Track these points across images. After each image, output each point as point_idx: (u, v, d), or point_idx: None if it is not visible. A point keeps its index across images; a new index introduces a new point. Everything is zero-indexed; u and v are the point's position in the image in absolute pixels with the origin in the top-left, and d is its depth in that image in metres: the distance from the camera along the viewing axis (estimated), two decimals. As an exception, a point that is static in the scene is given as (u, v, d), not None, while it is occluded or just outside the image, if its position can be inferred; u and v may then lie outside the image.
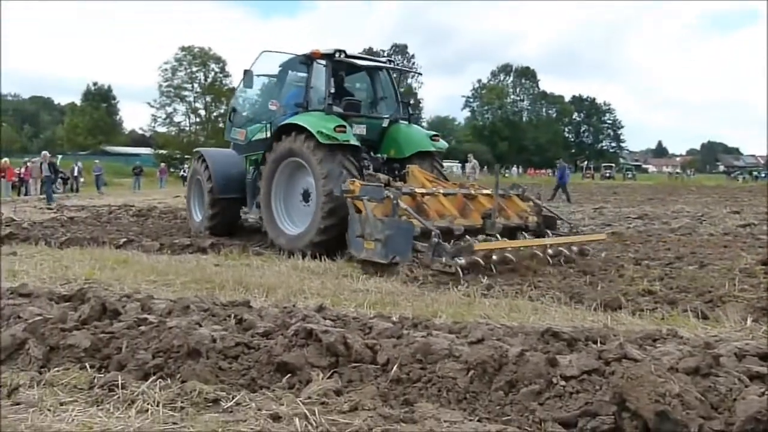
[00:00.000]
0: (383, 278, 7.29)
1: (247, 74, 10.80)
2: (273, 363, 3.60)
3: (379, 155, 10.54)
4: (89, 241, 10.18)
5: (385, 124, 10.80)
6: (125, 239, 10.32)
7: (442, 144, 10.75)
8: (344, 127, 9.39)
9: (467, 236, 7.96)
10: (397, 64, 11.25)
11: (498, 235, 8.30)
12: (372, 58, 11.65)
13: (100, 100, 78.51)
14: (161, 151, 58.47)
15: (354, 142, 9.46)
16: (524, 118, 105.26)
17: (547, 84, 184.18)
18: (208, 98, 63.24)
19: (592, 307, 5.74)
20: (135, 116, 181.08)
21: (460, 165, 60.65)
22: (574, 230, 9.88)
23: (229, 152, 12.05)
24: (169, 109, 62.87)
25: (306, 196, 9.64)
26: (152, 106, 62.74)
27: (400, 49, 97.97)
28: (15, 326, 4.17)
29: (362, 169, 9.76)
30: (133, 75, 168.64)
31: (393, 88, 11.15)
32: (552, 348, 3.76)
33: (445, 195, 8.99)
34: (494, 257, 7.48)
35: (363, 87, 11.63)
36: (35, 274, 7.20)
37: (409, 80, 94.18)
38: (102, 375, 3.53)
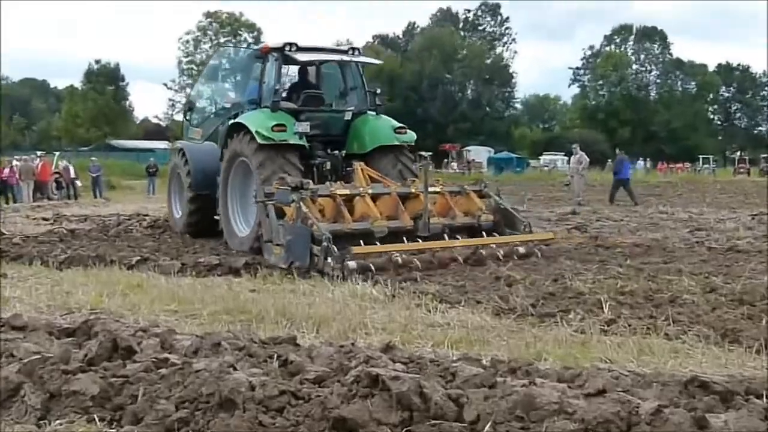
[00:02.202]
0: (468, 308, 7.27)
1: (206, 69, 12.82)
2: (328, 418, 3.62)
3: (337, 152, 12.64)
4: (94, 259, 10.52)
5: (348, 117, 12.87)
6: (138, 257, 10.62)
7: (409, 136, 12.73)
8: (283, 125, 11.54)
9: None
10: (358, 54, 13.23)
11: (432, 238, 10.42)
12: (330, 48, 13.85)
13: (106, 82, 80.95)
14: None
15: (295, 141, 11.64)
16: (652, 95, 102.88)
17: (683, 48, 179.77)
18: (240, 76, 64.87)
19: (753, 348, 5.57)
20: (149, 101, 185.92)
21: (565, 158, 60.00)
22: (527, 229, 11.46)
23: (210, 146, 13.94)
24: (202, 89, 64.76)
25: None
26: (170, 89, 64.98)
27: (490, 9, 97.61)
28: (7, 367, 4.33)
29: (316, 169, 12.10)
30: (146, 49, 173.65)
31: (360, 77, 13.29)
32: (700, 403, 3.67)
33: (374, 195, 10.93)
34: (398, 260, 9.54)
35: (331, 79, 13.76)
36: (30, 302, 7.49)
37: (500, 48, 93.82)
38: (114, 430, 3.63)
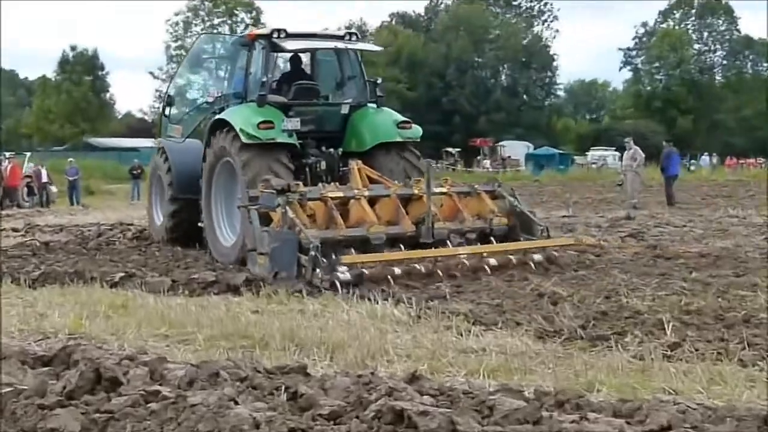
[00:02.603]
0: (506, 331, 7.26)
1: (186, 58, 14.08)
2: (346, 461, 3.62)
3: (333, 150, 13.12)
4: (72, 276, 10.58)
5: (345, 110, 13.30)
6: (123, 274, 10.67)
7: (414, 132, 13.12)
8: (271, 122, 11.94)
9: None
10: (356, 40, 13.75)
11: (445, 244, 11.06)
12: (324, 34, 14.34)
13: (83, 72, 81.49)
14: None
15: (283, 139, 12.08)
16: (717, 79, 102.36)
17: (753, 24, 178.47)
18: (237, 62, 65.26)
19: None
20: (132, 93, 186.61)
21: (616, 154, 59.77)
22: (544, 234, 11.77)
23: (194, 144, 14.28)
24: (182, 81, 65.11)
25: None
26: (157, 78, 65.38)
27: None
28: (-25, 402, 4.36)
29: (308, 169, 12.56)
30: (128, 34, 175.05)
31: (359, 66, 13.70)
32: (783, 442, 3.64)
33: (372, 198, 11.33)
34: (396, 270, 10.12)
35: (327, 69, 14.28)
36: (-1, 326, 7.51)
37: (538, 27, 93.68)
38: (98, 475, 3.65)
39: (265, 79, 12.74)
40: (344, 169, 12.59)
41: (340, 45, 13.47)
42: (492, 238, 11.64)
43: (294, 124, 12.38)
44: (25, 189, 33.32)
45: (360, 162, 12.25)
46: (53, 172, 36.41)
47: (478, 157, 67.66)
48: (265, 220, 10.77)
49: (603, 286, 9.41)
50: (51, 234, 17.93)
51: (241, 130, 11.88)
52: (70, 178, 34.84)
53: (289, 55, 13.92)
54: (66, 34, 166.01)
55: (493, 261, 10.82)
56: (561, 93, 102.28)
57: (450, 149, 71.96)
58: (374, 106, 13.42)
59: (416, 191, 11.54)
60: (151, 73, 78.23)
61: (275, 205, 10.54)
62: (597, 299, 8.54)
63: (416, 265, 10.46)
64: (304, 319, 7.90)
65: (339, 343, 6.66)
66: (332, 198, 11.11)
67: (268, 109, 12.43)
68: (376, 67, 77.59)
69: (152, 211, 15.54)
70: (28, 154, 41.20)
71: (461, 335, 7.14)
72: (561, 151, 72.46)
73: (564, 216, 20.08)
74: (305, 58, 14.22)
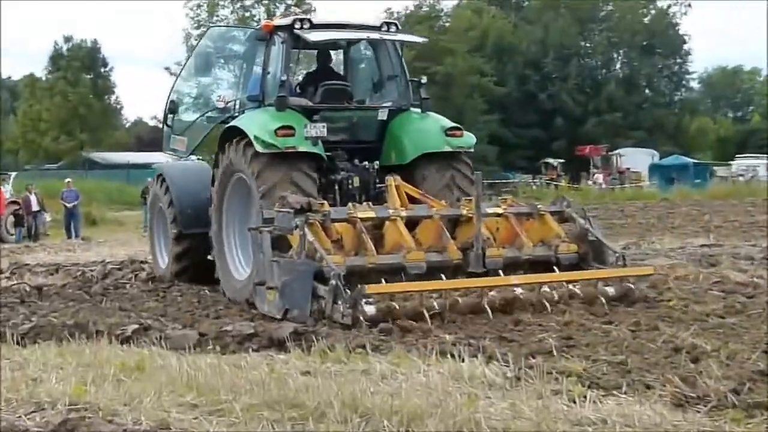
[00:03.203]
0: (633, 396, 7.16)
1: (192, 57, 15.25)
2: None
3: (367, 163, 13.69)
4: (73, 330, 10.65)
5: (382, 116, 13.86)
6: (136, 326, 10.71)
7: (466, 140, 13.61)
8: (291, 128, 12.51)
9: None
10: (396, 31, 14.15)
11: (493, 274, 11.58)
12: (356, 24, 14.53)
13: (80, 69, 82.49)
14: (193, 158, 61.08)
15: (306, 148, 12.66)
16: None
17: None
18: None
19: None
20: (143, 95, 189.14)
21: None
22: (619, 262, 12.29)
23: (197, 167, 15.54)
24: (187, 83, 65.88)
25: None
26: (174, 74, 65.97)
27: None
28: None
29: (338, 186, 13.26)
30: (136, 21, 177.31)
31: (400, 63, 14.20)
32: None
33: (411, 219, 12.00)
34: (435, 303, 10.62)
35: (362, 66, 15.14)
36: (-19, 394, 7.59)
37: (664, 1, 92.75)
38: None
39: (284, 79, 13.30)
40: (381, 186, 13.10)
41: (374, 36, 13.98)
42: (555, 268, 12.13)
43: (319, 130, 12.87)
44: (11, 218, 33.51)
45: (398, 177, 12.84)
46: (46, 196, 36.61)
47: (591, 170, 67.15)
48: (282, 245, 11.34)
49: (759, 338, 9.25)
50: (44, 276, 18.05)
51: (255, 137, 12.44)
52: (68, 205, 35.08)
53: (315, 50, 14.53)
54: (59, 22, 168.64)
55: (555, 295, 11.36)
56: (695, 85, 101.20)
57: (550, 160, 71.80)
58: (418, 110, 13.95)
59: (465, 212, 12.11)
60: (167, 69, 78.82)
61: (293, 226, 10.98)
62: (752, 355, 8.38)
63: (459, 299, 10.95)
64: (369, 382, 7.85)
65: (416, 413, 6.62)
66: (362, 219, 11.67)
67: (289, 113, 13.04)
68: (454, 56, 78.05)
69: (156, 250, 16.52)
70: (13, 174, 41.56)
71: (574, 402, 7.04)
72: (696, 161, 71.74)
73: (703, 245, 19.81)
74: (336, 54, 14.87)
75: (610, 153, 69.83)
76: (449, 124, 13.68)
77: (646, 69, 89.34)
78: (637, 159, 69.69)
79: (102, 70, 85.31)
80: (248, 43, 15.72)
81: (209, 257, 14.03)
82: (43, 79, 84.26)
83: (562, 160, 71.91)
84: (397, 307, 10.48)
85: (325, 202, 11.84)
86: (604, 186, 59.88)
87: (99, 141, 79.95)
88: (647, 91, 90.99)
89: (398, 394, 7.31)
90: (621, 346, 9.16)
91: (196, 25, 75.23)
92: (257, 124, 12.93)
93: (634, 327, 10.11)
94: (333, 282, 10.37)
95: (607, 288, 11.54)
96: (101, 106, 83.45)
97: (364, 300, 10.26)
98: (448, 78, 77.59)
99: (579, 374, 7.88)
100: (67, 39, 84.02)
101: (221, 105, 15.17)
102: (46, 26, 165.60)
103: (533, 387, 7.60)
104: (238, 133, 12.98)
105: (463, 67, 78.53)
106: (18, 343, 10.38)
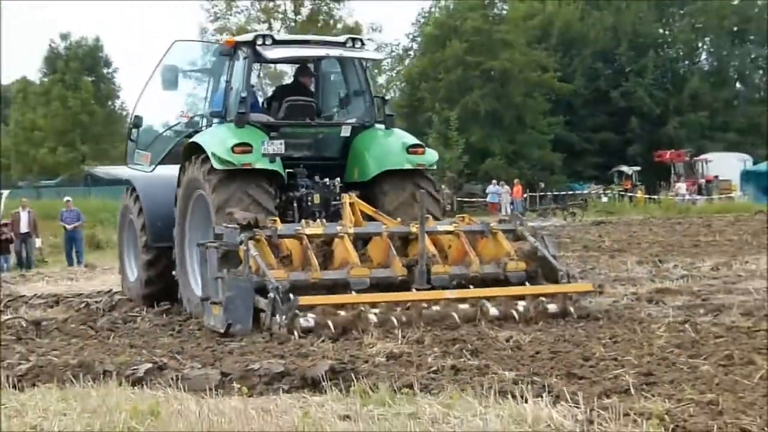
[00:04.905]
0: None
1: (157, 70, 16.42)
2: None
3: (328, 180, 15.19)
4: (77, 370, 10.66)
5: (345, 132, 15.61)
6: (149, 365, 10.71)
7: (428, 157, 15.47)
8: (248, 145, 14.18)
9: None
10: (360, 47, 15.59)
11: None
12: (319, 40, 16.95)
13: (80, 70, 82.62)
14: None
15: (263, 165, 14.27)
16: None
17: None
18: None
19: None
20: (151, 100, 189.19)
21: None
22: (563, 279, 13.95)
23: (170, 179, 16.14)
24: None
25: None
26: (188, 76, 66.32)
27: None
28: None
29: (297, 204, 14.89)
30: (142, 16, 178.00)
31: (365, 79, 15.96)
32: None
33: (362, 237, 14.04)
34: (373, 317, 12.34)
35: (330, 84, 16.94)
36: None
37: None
38: None
39: (245, 95, 14.80)
40: (335, 204, 15.04)
41: (334, 53, 15.70)
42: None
43: (276, 147, 14.52)
44: (4, 243, 33.53)
45: (353, 195, 14.64)
46: (42, 218, 36.39)
47: (673, 179, 66.63)
48: (234, 261, 12.89)
49: None
50: (43, 309, 18.12)
51: (212, 154, 14.00)
52: (68, 227, 35.07)
53: (285, 65, 16.69)
54: (55, 20, 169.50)
55: (493, 310, 13.03)
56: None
57: (624, 168, 71.40)
58: (382, 127, 15.46)
59: (414, 229, 13.67)
60: (178, 69, 79.50)
61: (238, 242, 12.71)
62: None
63: (393, 311, 12.68)
64: (418, 427, 7.86)
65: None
66: (309, 236, 13.45)
67: (248, 129, 14.80)
68: (511, 49, 77.88)
69: (125, 265, 18.45)
70: (5, 192, 41.44)
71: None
72: (798, 168, 71.00)
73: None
74: (305, 69, 16.40)
75: (694, 159, 69.33)
76: (412, 140, 15.50)
77: (737, 60, 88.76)
78: (726, 165, 68.94)
79: (105, 71, 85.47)
80: (213, 58, 17.59)
81: (173, 273, 15.62)
82: (38, 82, 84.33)
83: (637, 168, 71.54)
84: (333, 318, 12.25)
85: (278, 218, 13.58)
86: (687, 197, 59.55)
87: (102, 153, 79.77)
88: (738, 85, 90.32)
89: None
90: (710, 383, 9.10)
91: (212, 17, 75.81)
92: (216, 140, 14.64)
93: (726, 361, 10.04)
94: (271, 295, 12.26)
95: (547, 305, 13.22)
96: (104, 112, 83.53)
97: (299, 312, 12.02)
98: (504, 74, 77.61)
99: (661, 416, 7.80)
100: (65, 37, 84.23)
101: (185, 120, 17.20)
102: (40, 25, 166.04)
103: (608, 431, 7.61)
104: (198, 149, 14.66)
105: (522, 61, 78.41)
106: (15, 387, 10.29)
